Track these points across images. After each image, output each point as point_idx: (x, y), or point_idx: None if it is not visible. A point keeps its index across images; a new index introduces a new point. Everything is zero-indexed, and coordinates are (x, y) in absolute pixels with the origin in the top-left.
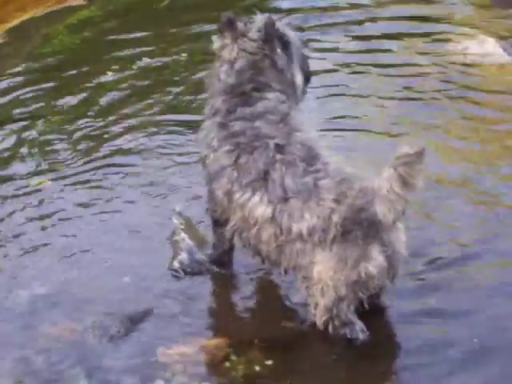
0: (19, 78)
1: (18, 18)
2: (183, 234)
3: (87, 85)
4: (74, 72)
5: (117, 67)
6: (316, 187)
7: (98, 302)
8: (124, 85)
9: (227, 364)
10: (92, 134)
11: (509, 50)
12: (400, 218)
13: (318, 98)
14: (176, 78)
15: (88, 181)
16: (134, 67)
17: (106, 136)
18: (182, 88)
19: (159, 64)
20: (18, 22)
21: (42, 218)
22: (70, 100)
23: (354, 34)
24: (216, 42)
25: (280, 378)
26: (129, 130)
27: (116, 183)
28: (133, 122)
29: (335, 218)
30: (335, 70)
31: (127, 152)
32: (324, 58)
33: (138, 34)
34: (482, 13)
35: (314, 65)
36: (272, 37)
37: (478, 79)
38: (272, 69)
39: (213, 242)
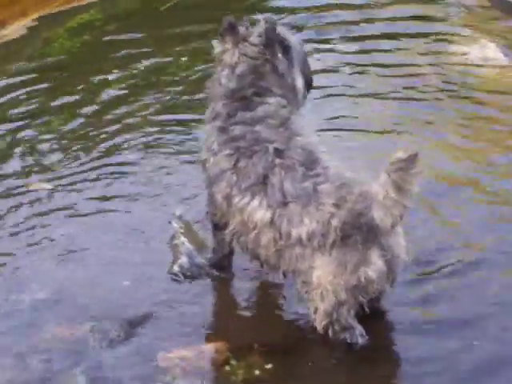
0: (18, 79)
1: (21, 20)
2: (183, 238)
3: (86, 86)
4: (73, 74)
5: (116, 70)
6: (315, 192)
7: (98, 306)
8: (123, 86)
9: (227, 368)
10: (90, 134)
11: (509, 54)
12: (398, 222)
13: (316, 98)
14: (176, 79)
15: (85, 181)
16: (134, 70)
17: (103, 136)
18: (180, 88)
19: (158, 66)
20: (20, 25)
21: (39, 219)
22: (68, 100)
23: (353, 35)
24: (217, 47)
25: (280, 382)
26: (127, 130)
27: (113, 184)
28: (131, 121)
29: (335, 223)
30: (334, 71)
31: (125, 151)
32: (323, 58)
33: (138, 38)
34: (482, 16)
35: (312, 65)
36: (273, 41)
37: (478, 81)
38: (273, 73)
39: (212, 246)
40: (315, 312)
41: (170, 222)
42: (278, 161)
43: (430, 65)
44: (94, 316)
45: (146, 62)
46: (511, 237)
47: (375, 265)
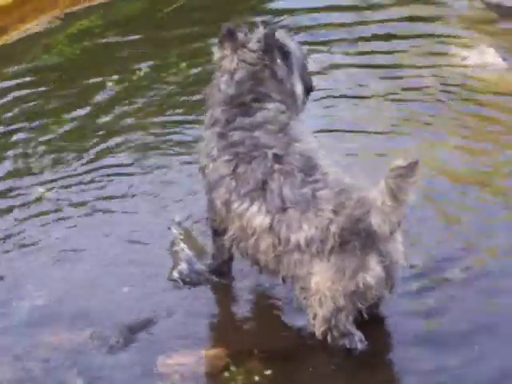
0: (14, 82)
1: (21, 26)
2: (182, 244)
3: (84, 90)
4: (72, 79)
5: (116, 76)
6: (314, 198)
7: (98, 312)
8: (121, 91)
9: (226, 374)
10: (87, 136)
11: (508, 60)
12: (396, 229)
13: (315, 99)
14: (174, 83)
15: (84, 183)
16: (133, 76)
17: (100, 138)
18: (179, 91)
19: (157, 71)
20: (20, 32)
21: (39, 223)
22: (66, 104)
23: (352, 36)
24: (216, 53)
25: None
26: (125, 132)
27: (109, 186)
28: (129, 124)
29: (333, 229)
30: (333, 72)
31: (122, 153)
32: (321, 60)
33: (138, 43)
34: (481, 22)
35: (311, 66)
36: (272, 47)
37: (477, 82)
38: (272, 79)
39: (212, 252)
40: (314, 318)
41: (169, 229)
42: (276, 166)
43: (428, 67)
44: (93, 322)
45: (145, 68)
46: None
47: (373, 271)
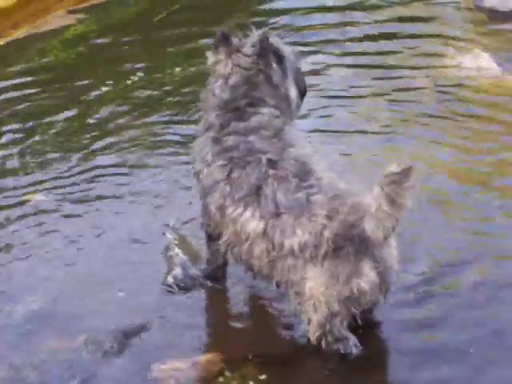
0: (10, 83)
1: (15, 31)
2: (177, 249)
3: (78, 94)
4: (66, 82)
5: (111, 82)
6: (308, 203)
7: (92, 317)
8: (117, 98)
9: (221, 379)
10: (83, 144)
11: (503, 64)
12: (390, 235)
13: (308, 100)
14: (167, 84)
15: (77, 183)
16: (127, 80)
17: (97, 147)
18: (176, 100)
19: (152, 75)
20: (15, 36)
21: (32, 224)
22: (59, 106)
23: (345, 37)
24: (210, 58)
25: None
26: (118, 132)
27: (107, 193)
28: (125, 133)
29: (327, 234)
30: (326, 73)
31: (118, 162)
32: (314, 60)
33: (133, 48)
34: (476, 27)
35: (304, 67)
36: (266, 52)
37: (471, 81)
38: (266, 84)
39: (207, 257)
40: (308, 323)
41: (164, 234)
42: (271, 172)
43: (423, 67)
44: (88, 327)
45: (140, 73)
46: None
47: (367, 276)
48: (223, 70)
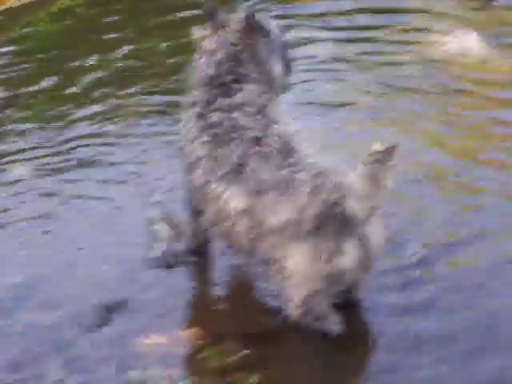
0: None
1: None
2: (161, 224)
3: (64, 69)
4: (53, 57)
5: (97, 55)
6: (291, 180)
7: (75, 292)
8: (101, 68)
9: (203, 354)
10: (65, 113)
11: (491, 41)
12: (373, 213)
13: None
14: (155, 63)
15: (59, 161)
16: (115, 55)
17: (79, 115)
18: (159, 72)
19: (138, 51)
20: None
21: (13, 201)
22: (46, 83)
23: (332, 25)
24: (196, 33)
25: (255, 368)
26: (106, 113)
27: (89, 163)
28: (110, 105)
29: (309, 212)
30: (314, 46)
31: (101, 132)
32: (303, 48)
33: (119, 23)
34: (465, 3)
35: (292, 40)
36: (253, 28)
37: (459, 69)
38: (252, 60)
39: (189, 234)
40: (289, 301)
41: (147, 208)
42: (254, 148)
43: (410, 43)
44: (70, 302)
45: (126, 48)
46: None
47: (349, 254)
48: (209, 45)
